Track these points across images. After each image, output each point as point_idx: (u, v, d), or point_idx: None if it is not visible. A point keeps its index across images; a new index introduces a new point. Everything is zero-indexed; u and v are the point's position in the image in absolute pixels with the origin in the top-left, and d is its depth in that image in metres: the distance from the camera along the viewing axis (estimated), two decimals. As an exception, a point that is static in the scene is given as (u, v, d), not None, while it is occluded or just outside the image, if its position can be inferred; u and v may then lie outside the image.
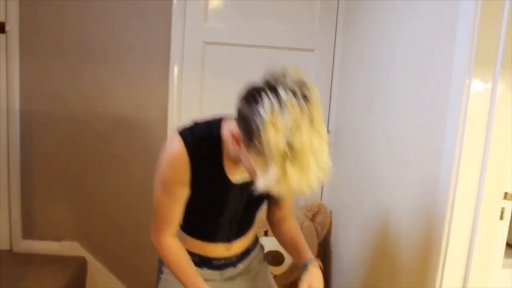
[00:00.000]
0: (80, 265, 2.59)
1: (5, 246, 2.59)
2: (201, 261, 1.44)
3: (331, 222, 2.53)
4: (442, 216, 1.27)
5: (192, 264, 1.37)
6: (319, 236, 2.48)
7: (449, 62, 1.27)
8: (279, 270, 2.34)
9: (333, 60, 2.56)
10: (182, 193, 1.29)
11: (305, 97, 0.99)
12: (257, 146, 0.99)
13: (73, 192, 2.60)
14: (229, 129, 1.16)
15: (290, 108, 0.96)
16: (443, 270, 1.28)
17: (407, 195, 1.58)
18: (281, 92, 0.98)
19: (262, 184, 1.01)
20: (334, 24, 2.54)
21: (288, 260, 2.34)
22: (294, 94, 0.98)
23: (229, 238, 1.46)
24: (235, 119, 1.10)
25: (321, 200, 2.67)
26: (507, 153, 1.21)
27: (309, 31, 2.54)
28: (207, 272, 1.45)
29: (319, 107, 1.01)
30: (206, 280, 1.35)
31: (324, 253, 2.59)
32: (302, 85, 1.01)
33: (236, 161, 1.24)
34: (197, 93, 2.55)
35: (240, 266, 1.52)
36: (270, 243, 2.07)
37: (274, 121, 0.96)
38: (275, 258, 2.31)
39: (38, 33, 2.45)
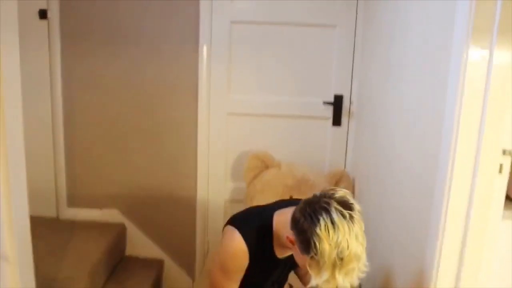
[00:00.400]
0: (120, 231, 2.72)
1: (52, 214, 2.76)
2: None
3: (353, 189, 2.60)
4: (443, 171, 1.38)
5: None
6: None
7: (450, 31, 1.37)
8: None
9: (355, 35, 2.64)
10: (240, 276, 1.53)
11: (351, 218, 1.27)
12: (313, 256, 1.26)
13: (113, 164, 2.74)
14: (283, 226, 1.42)
15: (341, 229, 1.24)
16: (445, 220, 1.38)
17: (414, 152, 1.69)
18: (334, 215, 1.26)
19: (314, 283, 1.28)
20: (355, 0, 2.61)
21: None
22: (343, 216, 1.26)
23: None
24: (291, 226, 1.35)
25: (344, 167, 2.76)
26: (503, 113, 1.31)
27: (331, 8, 2.62)
28: None
29: (361, 224, 1.30)
30: None
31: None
32: (348, 206, 1.29)
33: (284, 246, 1.47)
34: (225, 70, 2.68)
35: None
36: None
37: (328, 239, 1.23)
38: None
39: (78, 19, 2.58)
